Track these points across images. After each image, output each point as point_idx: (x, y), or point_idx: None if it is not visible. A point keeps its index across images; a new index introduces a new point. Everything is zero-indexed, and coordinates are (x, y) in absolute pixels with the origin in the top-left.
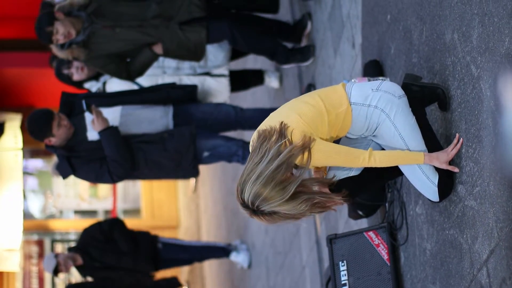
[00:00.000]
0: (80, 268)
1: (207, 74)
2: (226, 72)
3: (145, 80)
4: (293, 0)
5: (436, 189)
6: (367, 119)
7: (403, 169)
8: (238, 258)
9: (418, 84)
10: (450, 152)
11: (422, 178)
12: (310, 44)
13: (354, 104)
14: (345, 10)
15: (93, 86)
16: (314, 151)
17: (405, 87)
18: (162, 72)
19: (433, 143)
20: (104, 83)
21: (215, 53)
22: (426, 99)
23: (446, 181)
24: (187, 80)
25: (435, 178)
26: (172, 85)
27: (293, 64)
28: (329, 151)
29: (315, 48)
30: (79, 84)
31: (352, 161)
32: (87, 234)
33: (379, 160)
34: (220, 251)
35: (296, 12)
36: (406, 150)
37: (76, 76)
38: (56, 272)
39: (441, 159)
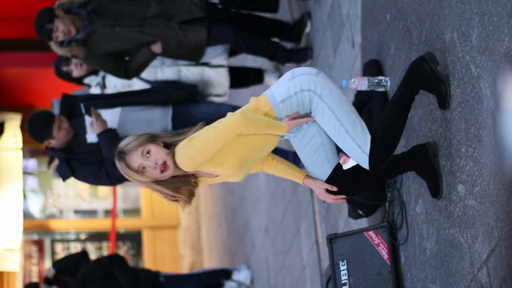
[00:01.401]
0: None
1: (206, 64)
2: (225, 62)
3: (145, 72)
4: (292, 0)
5: (367, 158)
6: (299, 105)
7: (334, 138)
8: (240, 276)
9: (432, 67)
10: None
11: (353, 146)
12: (308, 46)
13: (283, 101)
14: (345, 10)
15: (93, 81)
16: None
17: (421, 59)
18: (161, 63)
19: (386, 122)
20: (104, 77)
21: (214, 46)
22: (428, 85)
23: (378, 151)
24: (186, 71)
25: (366, 147)
26: (172, 85)
27: (292, 64)
28: (195, 145)
29: (313, 50)
30: (79, 80)
31: (226, 133)
32: (87, 270)
33: (247, 125)
34: (221, 273)
35: (295, 12)
36: (336, 123)
37: (76, 73)
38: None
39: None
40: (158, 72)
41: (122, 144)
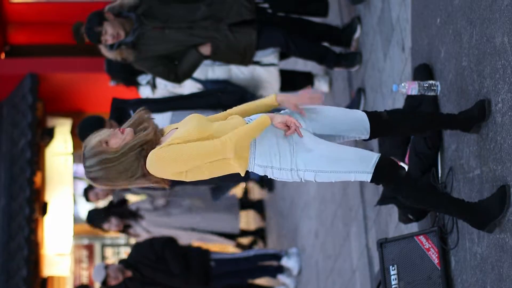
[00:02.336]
0: (130, 280)
1: (257, 63)
2: (275, 61)
3: (196, 72)
4: (342, 4)
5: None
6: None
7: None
8: (289, 263)
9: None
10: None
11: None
12: (357, 52)
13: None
14: (395, 14)
15: (143, 79)
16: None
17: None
18: (212, 62)
19: None
20: (154, 77)
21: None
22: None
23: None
24: (237, 70)
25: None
26: (223, 90)
27: (341, 69)
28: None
29: (362, 55)
30: (130, 79)
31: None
32: (138, 251)
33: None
34: (271, 258)
35: (345, 16)
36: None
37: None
38: (105, 283)
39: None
40: (209, 71)
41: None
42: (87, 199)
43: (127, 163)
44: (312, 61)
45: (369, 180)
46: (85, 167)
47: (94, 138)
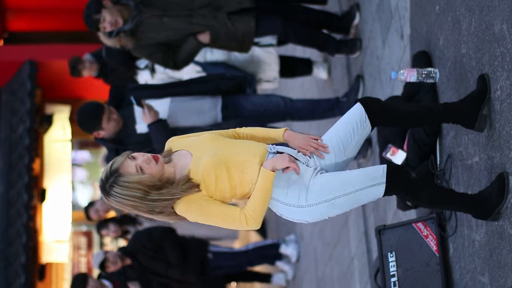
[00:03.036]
0: (129, 268)
1: (256, 44)
2: (274, 41)
3: None
4: None
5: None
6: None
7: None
8: (287, 250)
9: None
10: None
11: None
12: (357, 38)
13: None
14: (394, 1)
15: (141, 63)
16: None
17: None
18: (211, 47)
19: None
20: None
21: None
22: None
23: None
24: (236, 52)
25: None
26: (222, 76)
27: (342, 55)
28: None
29: (362, 41)
30: (129, 64)
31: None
32: (137, 241)
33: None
34: (270, 248)
35: (344, 4)
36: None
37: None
38: (102, 267)
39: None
40: (208, 54)
41: (107, 168)
42: (88, 218)
43: (155, 198)
44: (313, 48)
45: (383, 192)
46: (113, 192)
47: (127, 163)
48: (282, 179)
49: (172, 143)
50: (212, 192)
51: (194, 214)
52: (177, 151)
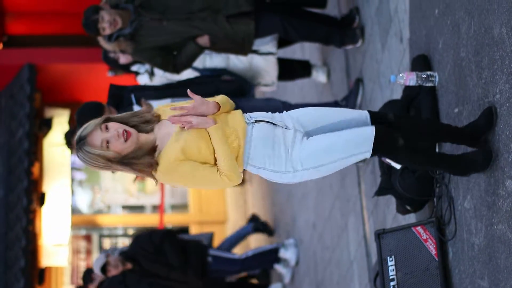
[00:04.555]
0: (130, 272)
1: (255, 52)
2: (274, 49)
3: None
4: None
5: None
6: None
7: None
8: (286, 254)
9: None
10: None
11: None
12: (357, 27)
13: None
14: (393, 5)
15: (140, 68)
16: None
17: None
18: (210, 51)
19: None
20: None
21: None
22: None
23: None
24: (235, 59)
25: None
26: (221, 75)
27: (348, 46)
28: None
29: (364, 28)
30: (126, 67)
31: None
32: (138, 244)
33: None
34: (269, 254)
35: (343, 7)
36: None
37: (123, 59)
38: (103, 270)
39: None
40: (207, 60)
41: (78, 132)
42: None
43: (123, 167)
44: (318, 43)
45: (368, 157)
46: (79, 155)
47: (95, 134)
48: (267, 147)
49: (160, 111)
50: (195, 159)
51: (175, 180)
52: (161, 120)
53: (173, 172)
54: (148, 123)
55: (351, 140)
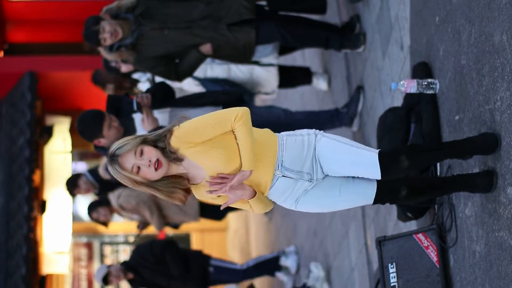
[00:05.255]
0: (131, 282)
1: (256, 63)
2: (275, 61)
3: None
4: (341, 2)
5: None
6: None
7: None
8: (287, 262)
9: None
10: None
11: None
12: (360, 32)
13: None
14: (394, 12)
15: (142, 77)
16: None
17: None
18: (211, 60)
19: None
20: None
21: (264, 45)
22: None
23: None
24: (236, 69)
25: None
26: (221, 92)
27: (347, 50)
28: (193, 122)
29: (366, 35)
30: (127, 75)
31: (223, 119)
32: (139, 254)
33: (243, 119)
34: (270, 263)
35: (344, 14)
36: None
37: (124, 68)
38: (105, 281)
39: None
40: (208, 70)
41: (114, 147)
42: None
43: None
44: (317, 48)
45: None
46: (109, 168)
47: (129, 156)
48: (283, 197)
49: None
50: None
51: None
52: (186, 158)
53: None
54: (171, 153)
55: (352, 200)
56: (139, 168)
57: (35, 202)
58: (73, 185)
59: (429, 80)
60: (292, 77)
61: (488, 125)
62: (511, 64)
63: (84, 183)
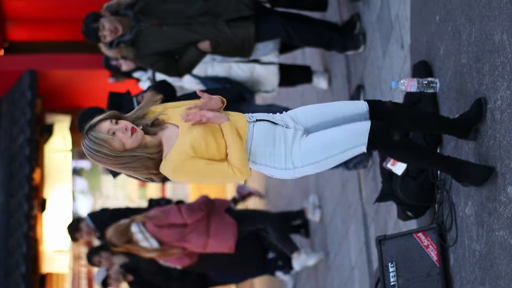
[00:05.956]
0: (131, 284)
1: (256, 61)
2: (275, 59)
3: (196, 68)
4: (341, 1)
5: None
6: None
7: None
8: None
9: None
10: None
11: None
12: (359, 32)
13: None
14: (394, 11)
15: (142, 76)
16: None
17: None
18: (212, 59)
19: None
20: (154, 72)
21: (265, 42)
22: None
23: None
24: (236, 68)
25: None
26: (220, 90)
27: (349, 52)
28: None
29: (366, 34)
30: (128, 74)
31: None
32: (139, 256)
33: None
34: (270, 262)
35: (344, 13)
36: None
37: (125, 67)
38: (104, 284)
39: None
40: (208, 68)
41: (89, 122)
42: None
43: (127, 161)
44: (320, 48)
45: (364, 150)
46: (84, 142)
47: (104, 123)
48: (268, 145)
49: (168, 112)
50: (203, 155)
51: (187, 176)
52: (165, 123)
53: (185, 169)
54: (153, 126)
55: (348, 136)
56: (114, 133)
57: (35, 201)
58: (74, 229)
59: (430, 79)
60: (292, 75)
61: (488, 124)
62: (511, 63)
63: (85, 227)
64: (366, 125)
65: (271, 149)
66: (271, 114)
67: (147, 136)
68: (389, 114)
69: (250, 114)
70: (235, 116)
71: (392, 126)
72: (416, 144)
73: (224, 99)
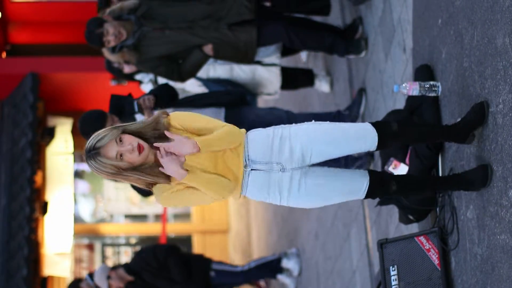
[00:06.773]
0: (131, 285)
1: (258, 63)
2: (277, 61)
3: None
4: (344, 4)
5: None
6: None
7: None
8: (289, 264)
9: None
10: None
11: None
12: (361, 37)
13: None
14: (396, 15)
15: (144, 78)
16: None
17: None
18: (214, 61)
19: None
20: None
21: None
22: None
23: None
24: (238, 70)
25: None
26: (222, 92)
27: (352, 56)
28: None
29: (368, 39)
30: (130, 76)
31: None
32: (141, 259)
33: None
34: (271, 265)
35: (347, 17)
36: None
37: (127, 69)
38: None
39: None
40: (210, 70)
41: (92, 140)
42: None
43: (130, 174)
44: (322, 52)
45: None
46: (91, 163)
47: (111, 147)
48: (263, 192)
49: (183, 133)
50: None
51: (174, 204)
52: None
53: (171, 201)
54: (160, 138)
55: (346, 190)
56: (121, 155)
57: (36, 204)
58: None
59: (432, 82)
60: (294, 79)
61: (489, 128)
62: None
63: (86, 286)
64: (365, 184)
65: (266, 196)
66: (270, 147)
67: (152, 150)
68: (395, 138)
69: (247, 156)
70: (232, 160)
71: (398, 143)
72: (412, 182)
73: (200, 147)
